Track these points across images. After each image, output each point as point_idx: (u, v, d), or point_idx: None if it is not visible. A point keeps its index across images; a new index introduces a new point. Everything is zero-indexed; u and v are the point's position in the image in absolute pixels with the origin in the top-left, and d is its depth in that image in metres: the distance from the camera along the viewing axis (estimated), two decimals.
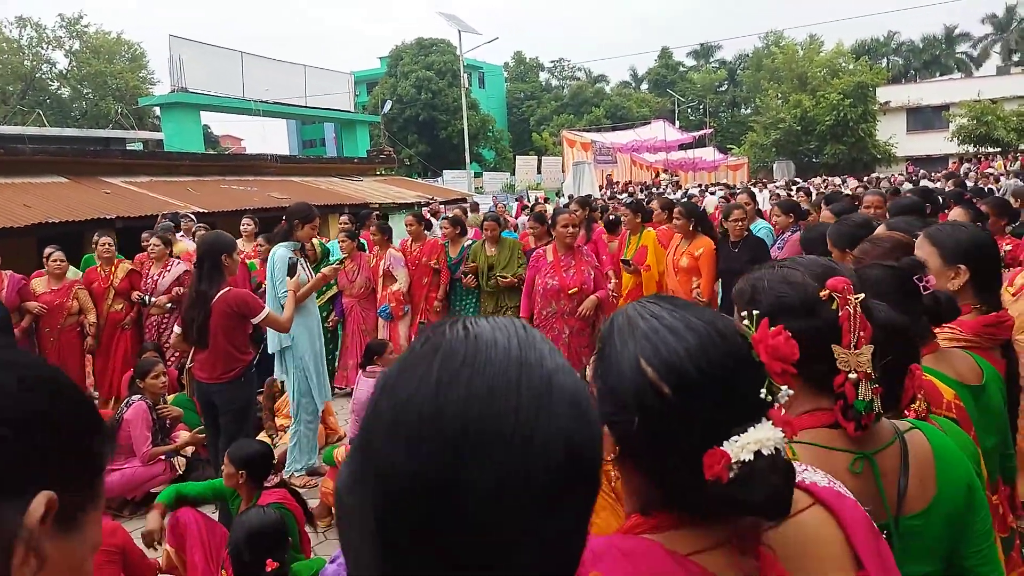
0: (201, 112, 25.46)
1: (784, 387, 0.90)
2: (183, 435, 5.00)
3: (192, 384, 4.61)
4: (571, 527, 0.61)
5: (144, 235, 7.15)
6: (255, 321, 4.38)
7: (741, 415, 0.87)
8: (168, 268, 6.67)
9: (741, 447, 0.84)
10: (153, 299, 6.52)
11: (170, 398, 5.31)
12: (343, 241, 7.29)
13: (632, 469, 0.93)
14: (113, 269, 6.61)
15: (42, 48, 41.45)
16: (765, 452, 0.84)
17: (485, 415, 0.57)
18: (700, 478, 0.85)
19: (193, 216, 9.73)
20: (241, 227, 7.80)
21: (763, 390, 0.89)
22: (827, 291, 1.22)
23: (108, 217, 10.54)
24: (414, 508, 0.56)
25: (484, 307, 7.10)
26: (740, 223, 5.75)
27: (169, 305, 6.57)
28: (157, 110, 30.11)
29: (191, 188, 14.01)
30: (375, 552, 0.57)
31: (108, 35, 42.19)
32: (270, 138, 52.03)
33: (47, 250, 6.55)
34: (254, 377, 4.65)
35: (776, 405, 0.89)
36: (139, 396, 4.74)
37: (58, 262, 6.39)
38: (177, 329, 4.50)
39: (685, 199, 11.94)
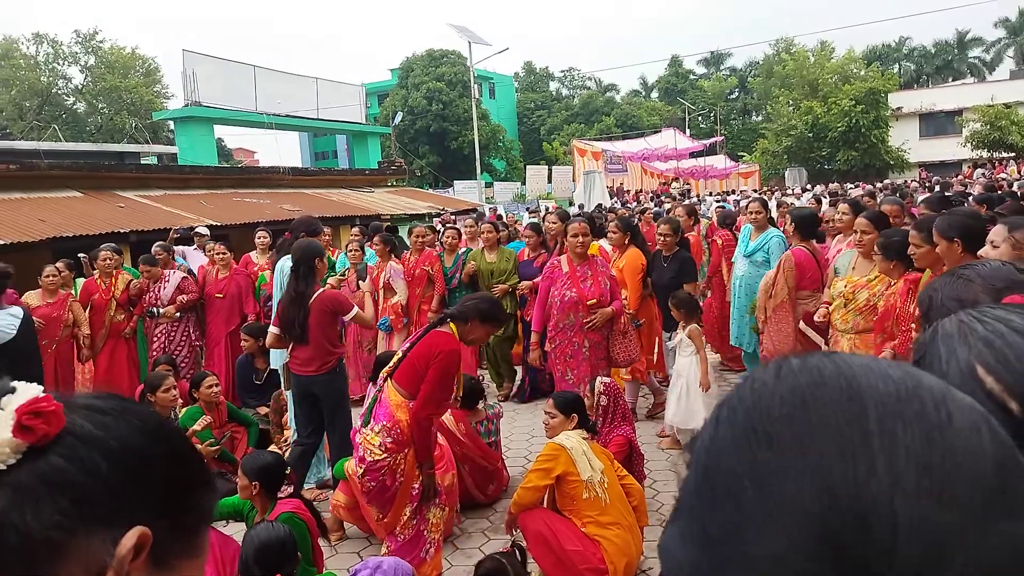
0: (214, 126, 25.72)
1: None
2: None
3: (289, 378, 4.76)
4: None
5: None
6: (346, 319, 4.72)
7: None
8: (167, 280, 6.92)
9: None
10: (161, 310, 6.77)
11: (181, 412, 5.31)
12: (354, 251, 7.30)
13: None
14: (113, 281, 6.86)
15: (58, 64, 41.97)
16: None
17: (897, 411, 0.45)
18: None
19: (207, 230, 9.80)
20: (256, 239, 7.83)
21: None
22: None
23: (122, 231, 10.62)
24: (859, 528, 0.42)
25: None
26: (666, 238, 5.91)
27: (178, 315, 6.83)
28: (171, 124, 30.39)
29: (204, 201, 14.11)
30: None
31: (123, 50, 42.66)
32: (283, 150, 52.32)
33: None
34: (344, 367, 4.90)
35: None
36: None
37: (50, 277, 6.49)
38: (274, 329, 4.68)
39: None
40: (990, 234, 2.90)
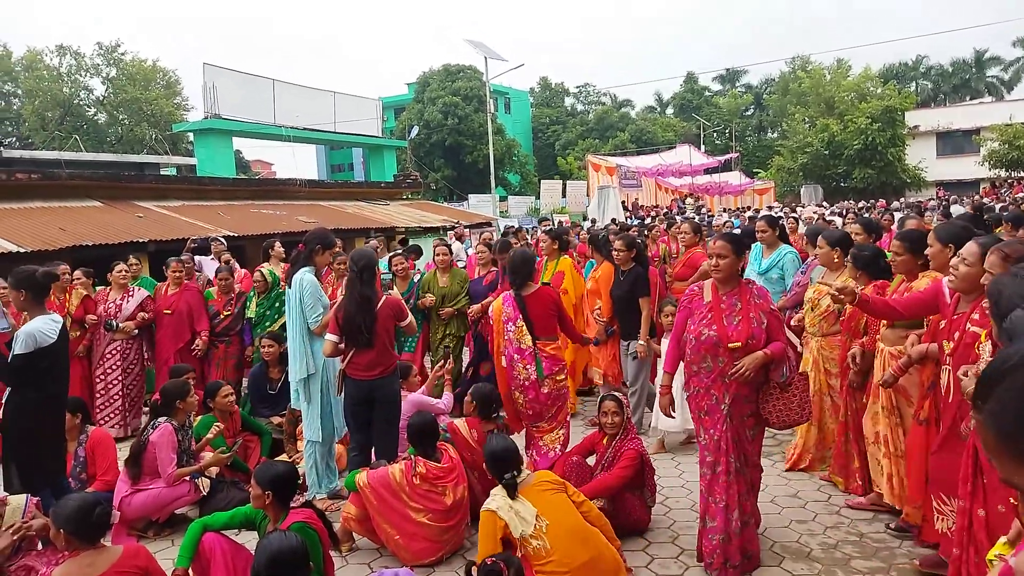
0: (233, 138, 25.97)
1: None
2: (207, 456, 5.03)
3: (345, 383, 4.80)
4: None
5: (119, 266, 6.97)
6: (403, 324, 4.88)
7: None
8: (131, 294, 6.69)
9: None
10: (119, 324, 6.50)
11: (195, 421, 5.35)
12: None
13: None
14: (68, 296, 6.59)
15: (80, 75, 42.63)
16: None
17: None
18: None
19: (223, 240, 9.89)
20: (272, 251, 7.84)
21: None
22: None
23: (141, 241, 10.75)
24: None
25: (434, 335, 7.11)
26: (620, 253, 6.02)
27: (136, 331, 6.56)
28: (191, 136, 30.73)
29: (222, 212, 14.24)
30: None
31: (144, 62, 43.26)
32: (300, 163, 52.75)
33: None
34: (398, 371, 5.06)
35: None
36: (165, 418, 4.78)
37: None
38: (333, 337, 4.66)
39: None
40: (962, 251, 3.29)
